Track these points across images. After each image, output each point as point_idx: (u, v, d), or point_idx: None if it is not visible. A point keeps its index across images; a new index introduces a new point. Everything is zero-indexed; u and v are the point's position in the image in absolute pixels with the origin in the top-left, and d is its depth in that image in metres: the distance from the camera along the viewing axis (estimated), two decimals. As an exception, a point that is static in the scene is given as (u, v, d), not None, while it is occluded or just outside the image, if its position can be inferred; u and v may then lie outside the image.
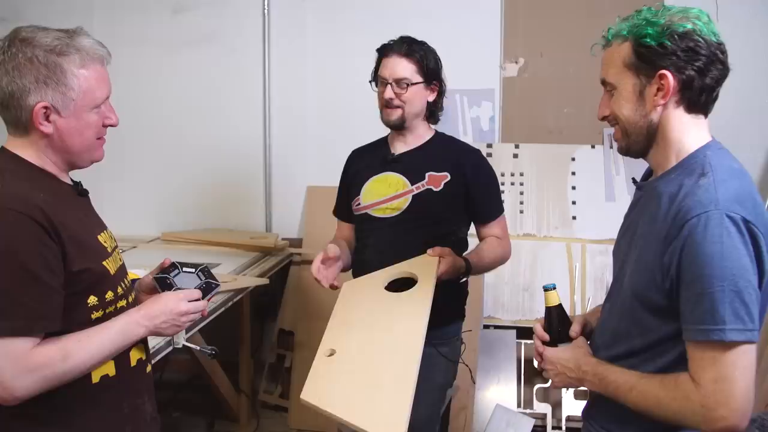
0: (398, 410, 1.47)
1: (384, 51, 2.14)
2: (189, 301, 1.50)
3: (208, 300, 1.58)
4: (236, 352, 3.36)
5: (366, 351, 1.71)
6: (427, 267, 1.96)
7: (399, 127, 2.17)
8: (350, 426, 1.48)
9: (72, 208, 1.40)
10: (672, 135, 1.32)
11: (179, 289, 1.53)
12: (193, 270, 1.59)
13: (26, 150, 1.37)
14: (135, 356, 1.49)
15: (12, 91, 1.31)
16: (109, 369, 1.42)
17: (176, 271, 1.57)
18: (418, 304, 1.82)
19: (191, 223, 3.74)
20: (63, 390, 1.32)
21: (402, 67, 2.10)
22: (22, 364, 1.26)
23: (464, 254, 2.14)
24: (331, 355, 1.71)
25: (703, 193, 1.23)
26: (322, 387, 1.62)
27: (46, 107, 1.32)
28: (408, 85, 2.10)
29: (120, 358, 1.43)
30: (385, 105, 2.13)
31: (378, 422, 1.45)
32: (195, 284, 1.56)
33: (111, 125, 1.44)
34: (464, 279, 2.14)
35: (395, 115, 2.13)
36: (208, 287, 1.57)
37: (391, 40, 2.15)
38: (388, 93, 2.10)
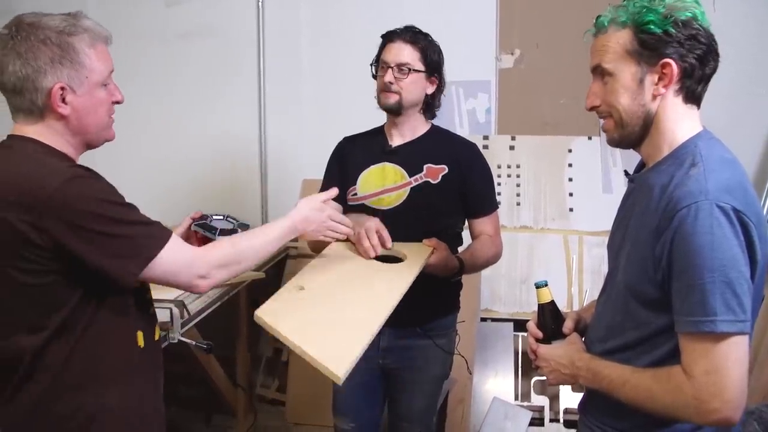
0: (350, 348, 1.44)
1: (388, 36, 2.13)
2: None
3: None
4: (233, 347, 3.36)
5: (336, 295, 1.70)
6: (419, 252, 1.95)
7: (395, 112, 2.14)
8: (297, 350, 1.46)
9: (103, 180, 1.44)
10: (666, 125, 1.31)
11: (220, 230, 1.70)
12: (222, 217, 1.78)
13: (42, 135, 1.38)
14: (157, 332, 1.58)
15: (26, 74, 1.32)
16: (141, 341, 1.48)
17: (210, 218, 1.75)
18: (400, 275, 1.81)
19: (186, 215, 3.72)
20: (104, 359, 1.41)
21: (405, 53, 2.08)
22: (196, 257, 1.43)
23: (458, 254, 2.13)
24: (300, 290, 1.70)
25: (693, 184, 1.21)
26: (280, 310, 1.60)
27: (63, 87, 1.34)
28: (409, 70, 2.08)
29: (148, 331, 1.52)
30: (384, 89, 2.11)
31: (325, 353, 1.42)
32: (229, 227, 1.74)
33: (118, 102, 1.49)
34: (457, 278, 2.13)
35: (392, 99, 2.11)
36: (243, 227, 1.77)
37: (397, 28, 2.14)
38: (388, 76, 2.08)
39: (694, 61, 1.26)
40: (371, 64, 2.19)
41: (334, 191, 1.80)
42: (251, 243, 1.53)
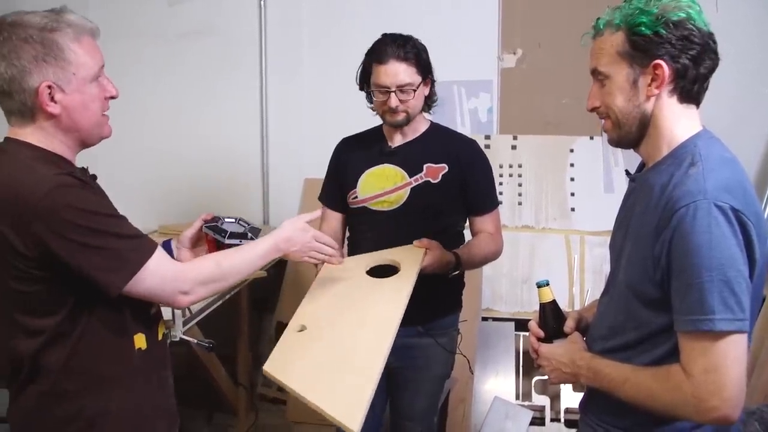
0: (359, 397, 1.43)
1: (378, 59, 2.05)
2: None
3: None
4: (234, 346, 3.36)
5: (337, 332, 1.68)
6: (411, 257, 1.94)
7: (404, 126, 2.14)
8: (308, 403, 1.45)
9: (93, 190, 1.41)
10: (664, 125, 1.31)
11: (230, 233, 1.69)
12: (234, 220, 1.75)
13: (35, 136, 1.36)
14: (161, 331, 1.55)
15: (12, 75, 1.30)
16: (141, 343, 1.46)
17: (221, 220, 1.73)
18: (397, 292, 1.79)
19: (189, 215, 3.70)
20: (108, 362, 1.40)
21: (404, 72, 2.03)
22: (178, 272, 1.42)
23: (455, 249, 2.11)
24: (301, 330, 1.69)
25: (692, 183, 1.22)
26: (286, 361, 1.60)
27: (50, 86, 1.31)
28: (414, 90, 2.05)
29: (149, 332, 1.49)
30: (389, 111, 2.07)
31: (337, 405, 1.42)
32: (240, 230, 1.71)
33: (112, 97, 1.44)
34: (454, 273, 2.11)
35: (400, 117, 2.08)
36: (254, 231, 1.73)
37: (382, 44, 2.06)
38: (394, 101, 2.04)
39: (688, 62, 1.26)
40: (368, 91, 2.13)
41: (318, 213, 1.78)
42: (234, 262, 1.51)
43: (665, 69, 1.26)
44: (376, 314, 1.73)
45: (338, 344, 1.63)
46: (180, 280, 1.42)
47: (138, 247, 1.36)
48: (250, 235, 1.71)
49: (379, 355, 1.55)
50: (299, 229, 1.65)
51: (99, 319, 1.39)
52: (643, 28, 1.26)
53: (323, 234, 1.73)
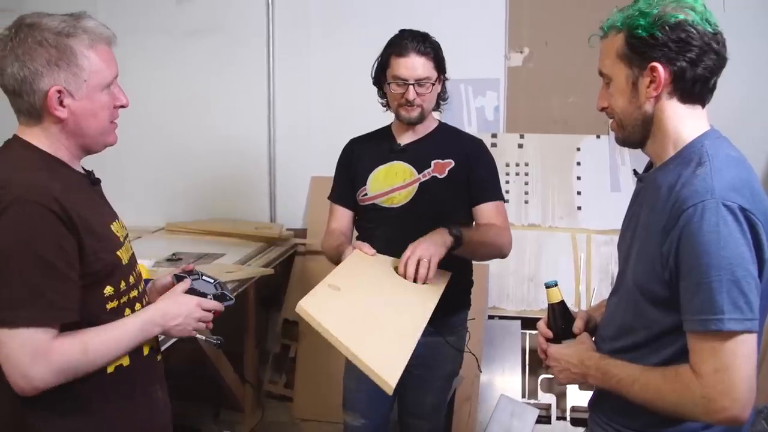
0: (397, 357, 1.40)
1: (397, 50, 2.08)
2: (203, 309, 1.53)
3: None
4: (241, 343, 3.37)
5: (372, 299, 1.67)
6: (438, 278, 1.95)
7: (418, 123, 2.16)
8: (344, 351, 1.41)
9: (86, 198, 1.40)
10: (668, 126, 1.31)
11: (198, 292, 1.55)
12: (212, 281, 1.62)
13: (39, 138, 1.36)
14: (146, 346, 1.51)
15: (24, 76, 1.30)
16: (123, 359, 1.42)
17: (196, 276, 1.60)
18: (427, 292, 1.82)
19: (196, 213, 3.74)
20: (80, 380, 1.33)
21: (422, 67, 2.06)
22: (42, 355, 1.26)
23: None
24: (336, 290, 1.66)
25: (699, 183, 1.22)
26: (323, 304, 1.53)
27: (59, 91, 1.31)
28: (432, 84, 2.08)
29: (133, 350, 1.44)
30: (405, 104, 2.10)
31: (377, 360, 1.37)
32: (208, 292, 1.58)
33: (122, 106, 1.44)
34: (458, 245, 2.00)
35: (415, 113, 2.11)
36: (222, 298, 1.59)
37: (401, 38, 2.09)
38: (411, 94, 2.06)
39: (685, 64, 1.26)
40: (383, 84, 2.15)
41: (186, 283, 1.56)
42: (102, 345, 1.35)
43: (661, 71, 1.27)
44: (410, 298, 1.74)
45: (375, 310, 1.61)
46: (33, 367, 1.26)
47: (35, 306, 1.25)
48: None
49: (417, 327, 1.55)
50: (179, 302, 1.50)
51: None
52: (640, 31, 1.27)
53: (207, 300, 1.55)
